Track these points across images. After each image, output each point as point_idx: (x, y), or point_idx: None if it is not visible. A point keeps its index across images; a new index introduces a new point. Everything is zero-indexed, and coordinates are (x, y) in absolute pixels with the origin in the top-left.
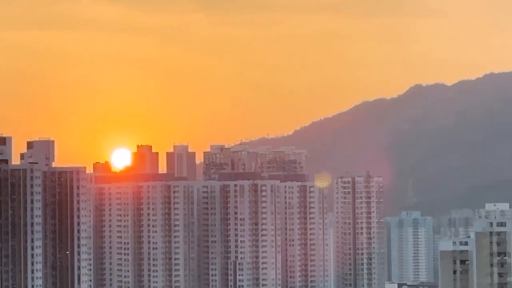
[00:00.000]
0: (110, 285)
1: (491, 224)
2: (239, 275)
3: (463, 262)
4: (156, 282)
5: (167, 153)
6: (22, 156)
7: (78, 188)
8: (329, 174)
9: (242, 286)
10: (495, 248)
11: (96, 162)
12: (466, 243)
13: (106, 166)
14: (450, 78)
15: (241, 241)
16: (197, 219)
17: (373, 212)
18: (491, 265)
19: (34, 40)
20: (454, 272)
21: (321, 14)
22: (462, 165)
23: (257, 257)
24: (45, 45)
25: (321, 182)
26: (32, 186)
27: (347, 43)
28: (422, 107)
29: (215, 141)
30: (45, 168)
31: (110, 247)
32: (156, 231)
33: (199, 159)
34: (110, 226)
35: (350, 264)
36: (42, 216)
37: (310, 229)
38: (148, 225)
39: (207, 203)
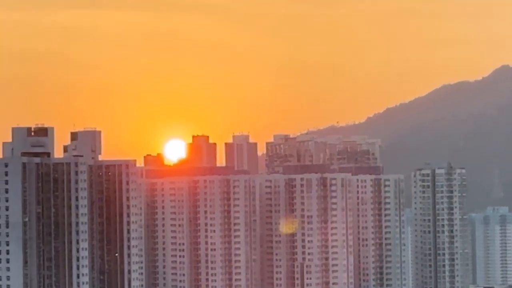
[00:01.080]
0: None
1: None
2: (307, 278)
3: None
4: (215, 287)
5: (226, 144)
6: (66, 149)
7: (127, 183)
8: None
9: None
10: None
11: (147, 155)
12: None
13: (158, 158)
14: None
15: (308, 241)
16: (260, 217)
17: (456, 207)
18: None
19: (80, 20)
20: None
21: None
22: None
23: (326, 258)
24: (92, 26)
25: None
26: (76, 181)
27: (426, 20)
28: (510, 90)
29: (278, 130)
30: (91, 162)
31: (164, 249)
32: (214, 231)
33: (261, 151)
34: (163, 225)
35: (430, 266)
36: (88, 214)
37: (385, 227)
38: (206, 224)
39: (270, 199)
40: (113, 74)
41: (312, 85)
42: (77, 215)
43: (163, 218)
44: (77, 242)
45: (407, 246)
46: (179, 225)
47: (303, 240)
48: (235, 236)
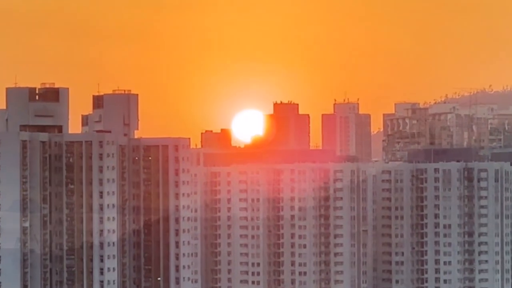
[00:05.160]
0: None
1: None
2: None
3: None
4: None
5: (324, 117)
6: (86, 121)
7: (176, 173)
8: None
9: None
10: None
11: (207, 131)
12: None
13: (223, 137)
14: None
15: (445, 263)
16: (373, 223)
17: None
18: None
19: None
20: None
21: None
22: None
23: (471, 281)
24: None
25: None
26: (101, 169)
27: None
28: None
29: (401, 97)
30: (123, 141)
31: (229, 271)
32: (304, 245)
33: (376, 127)
34: (229, 236)
35: None
36: (117, 218)
37: None
38: (292, 235)
39: (389, 199)
40: (159, 15)
41: (453, 32)
42: (101, 219)
43: (229, 226)
44: (101, 260)
45: None
46: (253, 237)
47: (436, 261)
48: (335, 254)
